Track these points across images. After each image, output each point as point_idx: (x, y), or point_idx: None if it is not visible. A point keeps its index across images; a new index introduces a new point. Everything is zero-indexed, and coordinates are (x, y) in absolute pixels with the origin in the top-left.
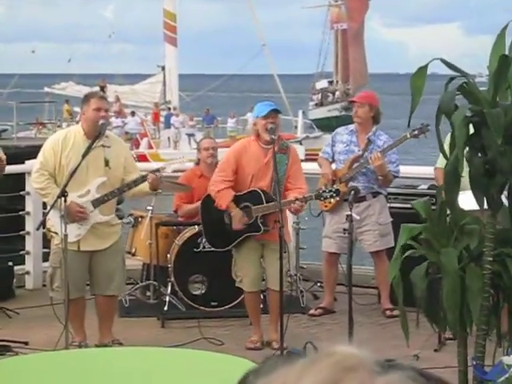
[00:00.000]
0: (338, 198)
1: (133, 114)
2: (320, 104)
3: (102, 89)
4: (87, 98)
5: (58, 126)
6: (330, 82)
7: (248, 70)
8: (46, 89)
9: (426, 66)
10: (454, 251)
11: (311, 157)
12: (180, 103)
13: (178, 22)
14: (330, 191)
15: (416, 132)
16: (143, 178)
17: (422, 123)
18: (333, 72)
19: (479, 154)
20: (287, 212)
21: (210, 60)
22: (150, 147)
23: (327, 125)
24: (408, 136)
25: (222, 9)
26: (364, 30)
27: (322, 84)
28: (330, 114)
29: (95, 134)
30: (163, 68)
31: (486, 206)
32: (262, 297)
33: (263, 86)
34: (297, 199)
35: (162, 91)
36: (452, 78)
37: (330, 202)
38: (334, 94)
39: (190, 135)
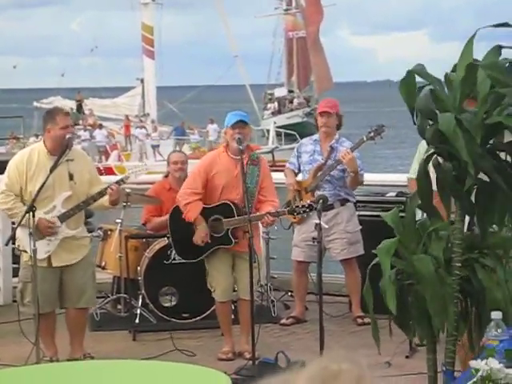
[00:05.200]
0: (310, 214)
1: (100, 126)
2: (278, 112)
3: (80, 103)
4: (51, 115)
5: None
6: (290, 91)
7: (224, 80)
8: (35, 103)
9: (409, 76)
10: (426, 257)
11: (282, 168)
12: (166, 114)
13: (155, 34)
14: (304, 206)
15: (372, 134)
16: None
17: (378, 124)
18: (284, 81)
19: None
20: (258, 223)
21: (189, 71)
22: (120, 160)
23: (307, 130)
24: (364, 139)
25: (195, 20)
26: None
27: (281, 92)
28: (290, 122)
29: (62, 149)
30: (142, 81)
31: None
32: (233, 307)
33: (239, 96)
34: (269, 213)
35: (140, 104)
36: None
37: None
38: (292, 102)
39: (155, 146)
